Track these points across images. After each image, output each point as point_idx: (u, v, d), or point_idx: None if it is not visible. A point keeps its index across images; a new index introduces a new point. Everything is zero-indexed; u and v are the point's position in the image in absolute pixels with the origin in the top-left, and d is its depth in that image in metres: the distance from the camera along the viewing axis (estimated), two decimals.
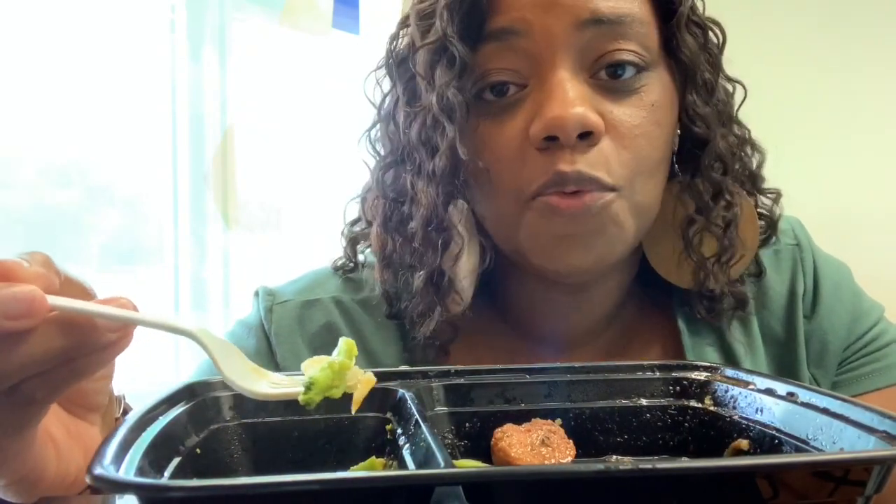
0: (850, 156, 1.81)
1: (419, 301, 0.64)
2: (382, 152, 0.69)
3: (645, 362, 0.51)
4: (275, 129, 1.69)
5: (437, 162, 0.61)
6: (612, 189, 0.59)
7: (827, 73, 1.80)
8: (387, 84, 0.68)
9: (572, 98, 0.57)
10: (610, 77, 0.60)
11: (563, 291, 0.67)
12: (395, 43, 0.67)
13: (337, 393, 0.41)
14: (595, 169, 0.58)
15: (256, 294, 0.73)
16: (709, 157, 0.64)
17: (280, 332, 0.69)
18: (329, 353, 0.67)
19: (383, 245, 0.67)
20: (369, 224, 0.70)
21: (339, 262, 0.73)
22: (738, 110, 0.69)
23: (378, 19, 1.70)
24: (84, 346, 0.38)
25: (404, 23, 0.66)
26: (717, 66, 0.66)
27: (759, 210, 0.70)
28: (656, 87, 0.62)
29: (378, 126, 0.69)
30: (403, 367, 0.49)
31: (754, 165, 0.70)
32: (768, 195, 0.70)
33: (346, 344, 0.43)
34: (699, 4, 0.66)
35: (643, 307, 0.73)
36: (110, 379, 0.48)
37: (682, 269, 0.67)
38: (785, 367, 0.70)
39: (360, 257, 0.73)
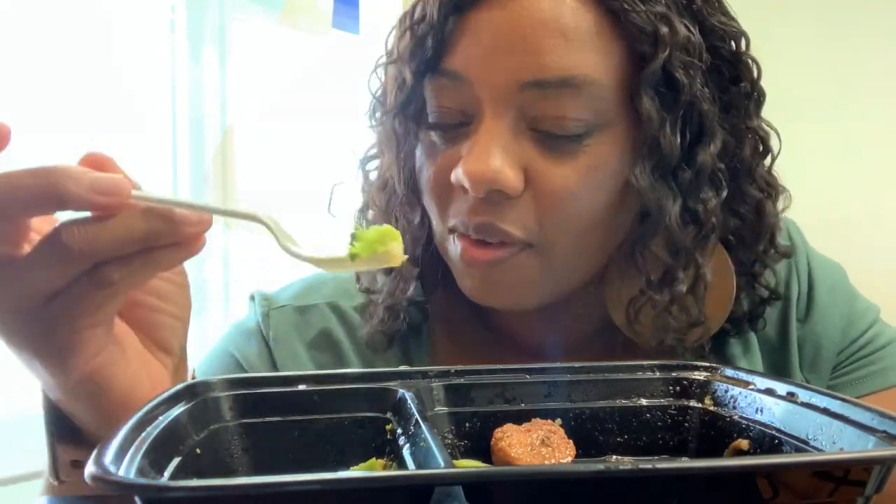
0: (849, 155, 1.81)
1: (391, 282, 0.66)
2: (371, 143, 0.71)
3: (645, 362, 0.51)
4: (275, 129, 1.69)
5: (396, 171, 0.65)
6: (525, 244, 0.59)
7: (827, 70, 1.80)
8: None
9: (491, 154, 0.56)
10: (552, 132, 0.57)
11: (525, 312, 0.66)
12: (390, 43, 0.68)
13: (381, 249, 0.42)
14: (505, 223, 0.58)
15: (252, 298, 0.73)
16: (650, 230, 0.60)
17: (278, 336, 0.69)
18: (328, 357, 0.68)
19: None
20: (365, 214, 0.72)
21: None
22: (760, 162, 0.63)
23: (378, 19, 1.70)
24: (162, 234, 0.40)
25: (401, 24, 0.67)
26: (707, 125, 0.59)
27: (757, 275, 0.66)
28: (603, 150, 0.58)
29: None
30: (403, 368, 0.49)
31: (768, 229, 0.64)
32: (777, 257, 0.66)
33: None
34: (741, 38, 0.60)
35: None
36: (185, 323, 0.50)
37: (640, 331, 0.63)
38: (778, 371, 0.69)
39: None
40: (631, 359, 0.68)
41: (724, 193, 0.61)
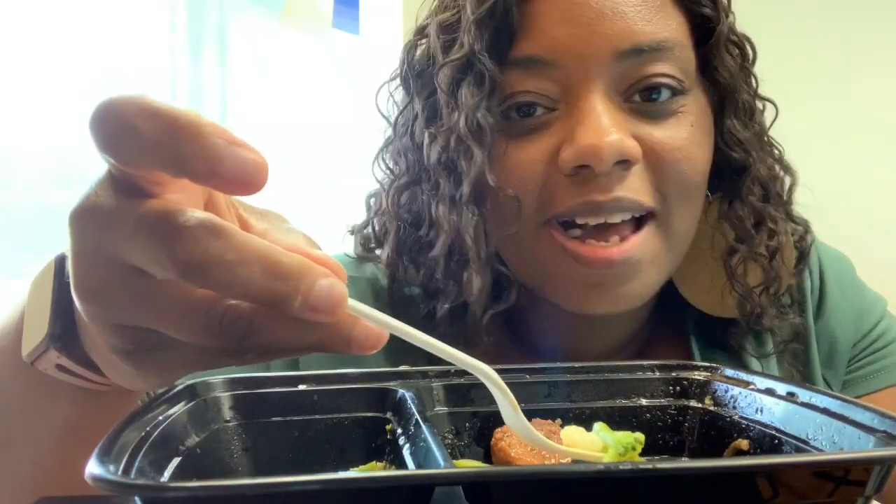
0: (853, 152, 1.81)
1: (441, 331, 0.61)
2: (397, 170, 0.66)
3: (645, 362, 0.51)
4: (275, 129, 1.69)
5: (463, 189, 0.58)
6: (650, 213, 0.58)
7: (828, 68, 1.80)
8: (399, 95, 0.66)
9: (607, 125, 0.55)
10: (645, 100, 0.58)
11: (579, 322, 0.64)
12: (411, 54, 0.64)
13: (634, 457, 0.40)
14: (635, 193, 0.57)
15: None
16: (749, 182, 0.62)
17: None
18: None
19: (394, 266, 0.64)
20: (379, 243, 0.67)
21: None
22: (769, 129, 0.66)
23: (378, 19, 1.70)
24: (330, 343, 0.33)
25: (421, 32, 0.64)
26: (752, 86, 0.64)
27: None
28: (694, 109, 0.60)
29: (393, 142, 0.66)
30: (403, 367, 0.49)
31: (786, 190, 0.67)
32: (798, 223, 0.67)
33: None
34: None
35: (655, 330, 0.71)
36: None
37: (725, 301, 0.64)
38: (798, 369, 0.68)
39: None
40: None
41: (777, 154, 0.65)
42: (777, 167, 0.65)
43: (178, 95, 1.55)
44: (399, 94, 0.66)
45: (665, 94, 0.58)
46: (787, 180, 0.66)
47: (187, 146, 0.29)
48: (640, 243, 0.57)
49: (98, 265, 0.32)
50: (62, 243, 0.36)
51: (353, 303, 0.33)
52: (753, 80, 0.65)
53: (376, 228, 0.68)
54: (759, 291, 0.62)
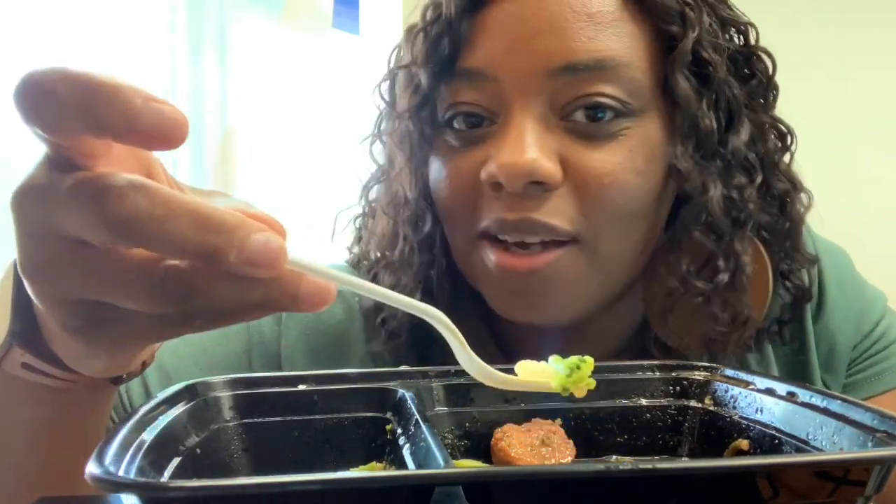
0: (853, 151, 1.81)
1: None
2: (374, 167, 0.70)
3: (645, 362, 0.51)
4: (275, 129, 1.69)
5: (405, 186, 0.62)
6: (570, 238, 0.56)
7: (828, 67, 1.80)
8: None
9: (526, 144, 0.54)
10: (588, 119, 0.55)
11: (549, 330, 0.62)
12: (389, 61, 0.67)
13: (589, 384, 0.41)
14: (549, 216, 0.55)
15: None
16: (692, 214, 0.58)
17: (289, 321, 0.66)
18: (337, 351, 0.65)
19: (365, 263, 0.69)
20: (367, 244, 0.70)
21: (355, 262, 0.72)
22: (782, 157, 0.63)
23: (378, 19, 1.70)
24: (281, 306, 0.33)
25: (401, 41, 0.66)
26: (736, 112, 0.59)
27: (787, 273, 0.64)
28: (638, 133, 0.56)
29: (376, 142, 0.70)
30: (403, 367, 0.49)
31: (792, 226, 0.63)
32: (803, 259, 0.64)
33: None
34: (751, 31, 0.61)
35: (650, 342, 0.67)
36: None
37: (680, 336, 0.61)
38: (797, 374, 0.67)
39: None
40: None
41: (759, 180, 0.60)
42: (771, 198, 0.62)
43: (178, 95, 1.55)
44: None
45: (608, 114, 0.55)
46: (803, 201, 0.63)
47: (105, 105, 0.29)
48: (553, 261, 0.56)
49: (41, 242, 0.33)
50: None
51: (294, 257, 0.32)
52: (758, 99, 0.61)
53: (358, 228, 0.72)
54: (699, 334, 0.60)
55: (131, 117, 0.29)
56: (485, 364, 0.40)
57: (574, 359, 0.41)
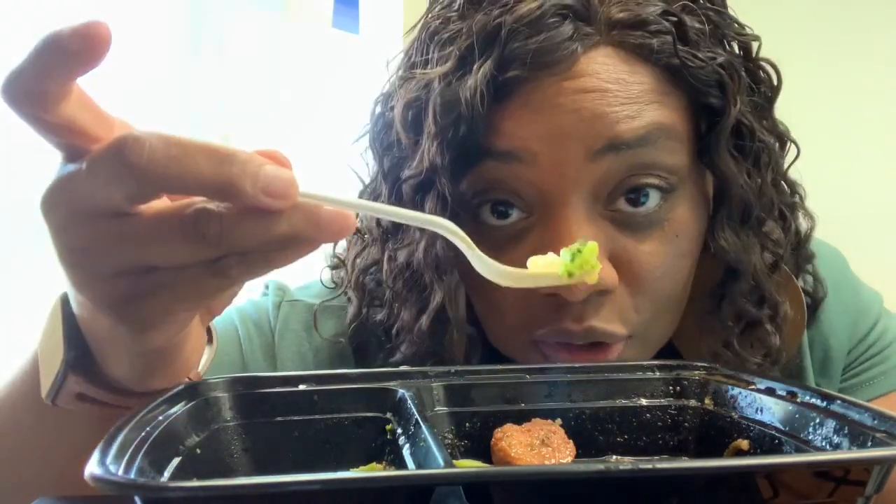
0: (851, 153, 1.81)
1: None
2: (363, 237, 0.64)
3: (645, 362, 0.51)
4: (274, 129, 1.69)
5: (423, 319, 0.57)
6: (625, 338, 0.55)
7: (828, 67, 1.80)
8: (370, 155, 0.63)
9: None
10: (630, 205, 0.53)
11: None
12: (377, 122, 0.60)
13: (597, 266, 0.42)
14: (608, 323, 0.54)
15: (266, 287, 0.71)
16: (739, 285, 0.57)
17: (285, 332, 0.66)
18: (330, 365, 0.65)
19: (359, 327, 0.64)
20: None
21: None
22: (786, 168, 0.62)
23: (378, 19, 1.70)
24: (304, 239, 0.35)
25: (388, 100, 0.60)
26: (768, 167, 0.58)
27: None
28: (682, 212, 0.55)
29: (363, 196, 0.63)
30: (403, 367, 0.49)
31: (803, 239, 0.63)
32: (809, 280, 0.65)
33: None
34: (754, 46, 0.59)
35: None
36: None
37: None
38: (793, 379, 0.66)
39: None
40: None
41: (789, 222, 0.60)
42: (779, 233, 0.60)
43: (178, 95, 1.55)
44: (370, 156, 0.63)
45: (652, 198, 0.53)
46: (805, 223, 0.63)
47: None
48: (614, 351, 0.56)
49: (74, 227, 0.35)
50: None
51: (305, 189, 0.35)
52: (767, 120, 0.60)
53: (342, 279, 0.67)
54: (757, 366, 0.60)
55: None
56: (495, 262, 0.42)
57: (575, 244, 0.43)
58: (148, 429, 0.36)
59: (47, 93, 0.33)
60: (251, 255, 0.35)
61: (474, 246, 0.41)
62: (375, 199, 0.61)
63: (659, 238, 0.54)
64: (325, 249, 0.70)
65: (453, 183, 0.54)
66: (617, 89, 0.52)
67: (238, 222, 0.34)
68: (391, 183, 0.59)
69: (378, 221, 0.62)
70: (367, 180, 0.65)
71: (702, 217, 0.57)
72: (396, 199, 0.58)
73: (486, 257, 0.42)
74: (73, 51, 0.33)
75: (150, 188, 0.33)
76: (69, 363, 0.42)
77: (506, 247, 0.55)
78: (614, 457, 0.48)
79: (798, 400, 0.43)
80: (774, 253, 0.59)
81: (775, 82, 0.60)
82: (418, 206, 0.56)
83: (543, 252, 0.47)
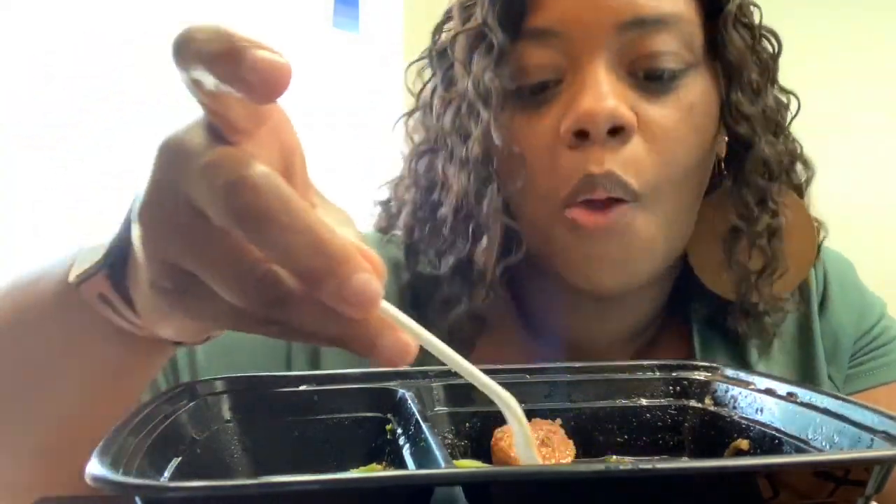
0: (853, 152, 1.81)
1: (445, 290, 0.63)
2: (417, 140, 0.69)
3: (645, 362, 0.51)
4: None
5: (469, 147, 0.62)
6: (634, 196, 0.58)
7: (829, 67, 1.80)
8: (427, 75, 0.69)
9: (605, 91, 0.57)
10: (648, 76, 0.59)
11: (590, 301, 0.65)
12: (437, 35, 0.68)
13: None
14: (625, 171, 0.57)
15: None
16: (753, 160, 0.63)
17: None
18: None
19: (410, 231, 0.67)
20: (397, 213, 0.70)
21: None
22: (790, 123, 0.67)
23: (378, 19, 1.70)
24: (355, 342, 0.32)
25: (448, 15, 0.67)
26: (767, 73, 0.64)
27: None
28: (696, 89, 0.61)
29: (415, 115, 0.70)
30: (403, 367, 0.49)
31: (802, 179, 0.68)
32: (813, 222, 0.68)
33: None
34: (755, 12, 0.65)
35: (667, 321, 0.71)
36: None
37: (723, 279, 0.65)
38: (803, 367, 0.70)
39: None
40: (654, 356, 0.70)
41: (795, 147, 0.66)
42: (791, 157, 0.66)
43: (178, 95, 1.55)
44: (427, 75, 0.69)
45: (668, 70, 0.59)
46: (804, 172, 0.68)
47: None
48: (627, 211, 0.58)
49: (166, 197, 0.34)
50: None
51: (387, 305, 0.32)
52: (771, 69, 0.65)
53: (397, 196, 0.71)
54: (755, 274, 0.64)
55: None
56: (536, 454, 0.40)
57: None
58: (148, 429, 0.36)
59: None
60: (296, 331, 0.33)
61: (530, 434, 0.39)
62: (429, 95, 0.67)
63: (674, 105, 0.60)
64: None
65: (504, 34, 0.60)
66: None
67: (299, 303, 0.31)
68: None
69: (418, 170, 0.67)
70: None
71: (713, 103, 0.62)
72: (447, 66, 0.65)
73: (534, 454, 0.40)
74: (249, 82, 0.32)
75: (241, 231, 0.31)
76: (104, 265, 0.42)
77: (539, 111, 0.61)
78: (614, 457, 0.48)
79: (798, 400, 0.43)
80: (779, 157, 0.64)
81: (775, 48, 0.66)
82: (468, 59, 0.62)
83: (580, 101, 0.57)
